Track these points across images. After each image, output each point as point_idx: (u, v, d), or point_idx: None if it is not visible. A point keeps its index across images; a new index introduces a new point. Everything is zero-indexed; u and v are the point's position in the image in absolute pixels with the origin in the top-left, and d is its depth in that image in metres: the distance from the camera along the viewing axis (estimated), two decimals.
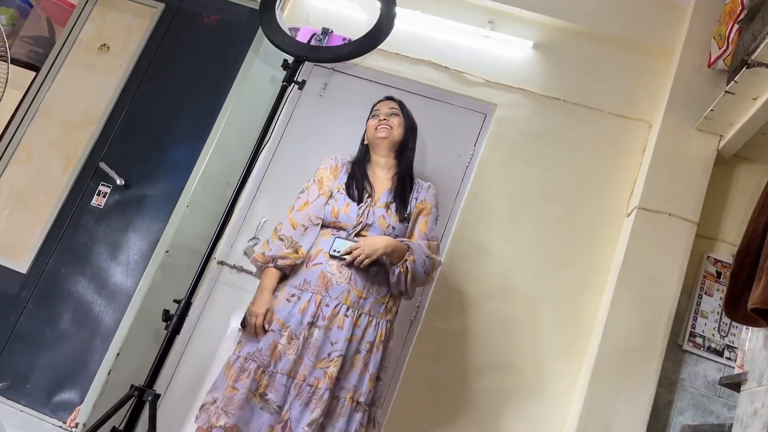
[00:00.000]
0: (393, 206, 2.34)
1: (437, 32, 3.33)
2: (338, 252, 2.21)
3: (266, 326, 2.16)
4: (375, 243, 2.21)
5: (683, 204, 2.84)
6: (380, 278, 2.24)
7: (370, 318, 2.20)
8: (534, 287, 2.94)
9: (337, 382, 2.12)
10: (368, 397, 2.16)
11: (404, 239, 2.30)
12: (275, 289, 2.24)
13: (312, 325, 2.14)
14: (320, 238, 2.28)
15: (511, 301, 2.93)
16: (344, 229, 2.28)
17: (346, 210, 2.30)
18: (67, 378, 2.66)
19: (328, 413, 2.09)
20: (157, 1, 3.13)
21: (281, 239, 2.27)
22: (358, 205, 2.31)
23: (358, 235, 2.26)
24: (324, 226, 2.31)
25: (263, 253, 2.27)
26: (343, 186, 2.37)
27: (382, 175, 2.44)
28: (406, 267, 2.23)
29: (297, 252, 2.25)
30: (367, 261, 2.18)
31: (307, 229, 2.29)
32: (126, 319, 2.68)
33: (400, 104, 2.54)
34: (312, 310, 2.15)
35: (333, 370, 2.10)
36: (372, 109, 2.56)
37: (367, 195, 2.34)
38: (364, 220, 2.28)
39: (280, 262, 2.24)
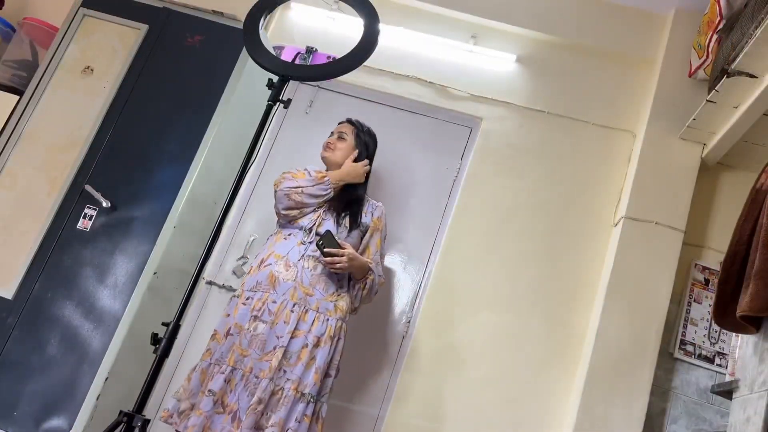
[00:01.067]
0: (345, 217, 2.49)
1: (421, 48, 3.35)
2: (323, 247, 2.32)
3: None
4: (354, 259, 2.36)
5: (670, 212, 2.86)
6: (325, 277, 2.36)
7: (318, 314, 2.30)
8: (524, 299, 2.94)
9: (283, 374, 2.21)
10: (313, 389, 2.23)
11: (365, 257, 2.46)
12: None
13: (256, 318, 2.27)
14: (274, 242, 2.43)
15: (501, 314, 2.93)
16: (300, 225, 2.43)
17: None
18: (55, 404, 2.62)
19: (271, 402, 2.18)
20: (140, 23, 3.13)
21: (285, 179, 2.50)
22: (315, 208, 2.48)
23: (309, 231, 2.40)
24: (281, 226, 2.49)
25: (318, 175, 2.50)
26: None
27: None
28: (365, 283, 2.44)
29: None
30: (340, 270, 2.35)
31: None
32: (114, 343, 2.65)
33: (356, 126, 2.70)
34: (258, 306, 2.28)
35: (275, 361, 2.20)
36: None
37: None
38: (321, 215, 2.45)
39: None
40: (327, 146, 2.65)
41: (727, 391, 2.19)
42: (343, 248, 2.35)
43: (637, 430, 2.60)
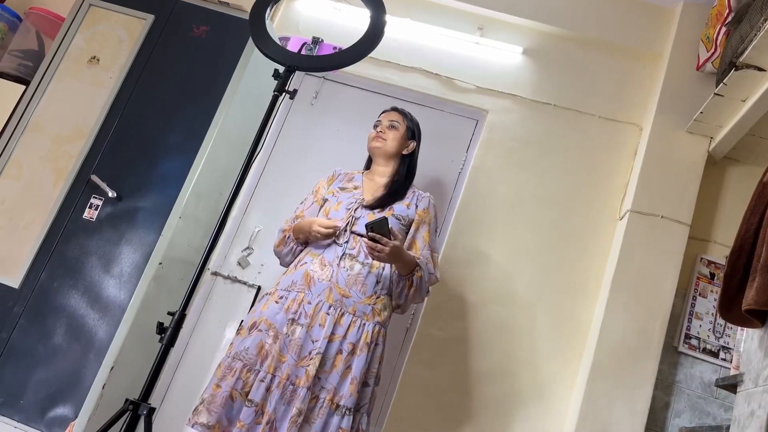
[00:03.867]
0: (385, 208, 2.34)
1: (427, 40, 3.34)
2: (371, 229, 2.12)
3: (325, 228, 2.24)
4: (398, 254, 2.17)
5: (675, 206, 2.85)
6: (362, 278, 2.21)
7: (354, 318, 2.17)
8: (529, 292, 2.94)
9: (318, 381, 2.09)
10: (350, 401, 2.10)
11: (413, 253, 2.29)
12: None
13: (294, 322, 2.14)
14: (311, 244, 2.33)
15: (506, 307, 2.93)
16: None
17: (337, 207, 2.34)
18: (61, 393, 2.64)
19: (308, 413, 2.06)
20: (146, 13, 3.13)
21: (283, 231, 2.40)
22: (348, 203, 2.35)
23: (344, 231, 2.27)
24: None
25: (283, 232, 2.39)
26: (338, 189, 2.43)
27: (378, 180, 2.47)
28: (412, 281, 2.25)
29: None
30: (377, 259, 2.16)
31: None
32: (120, 333, 2.67)
33: (405, 115, 2.55)
34: (294, 308, 2.16)
35: (312, 368, 2.08)
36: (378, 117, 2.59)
37: (360, 195, 2.39)
38: (353, 214, 2.30)
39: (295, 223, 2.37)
40: (377, 136, 2.47)
41: (731, 385, 2.19)
42: (394, 239, 2.17)
43: (640, 424, 2.60)
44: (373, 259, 2.19)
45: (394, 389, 2.83)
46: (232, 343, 2.22)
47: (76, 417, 2.59)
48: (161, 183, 2.86)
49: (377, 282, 2.23)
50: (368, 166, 2.57)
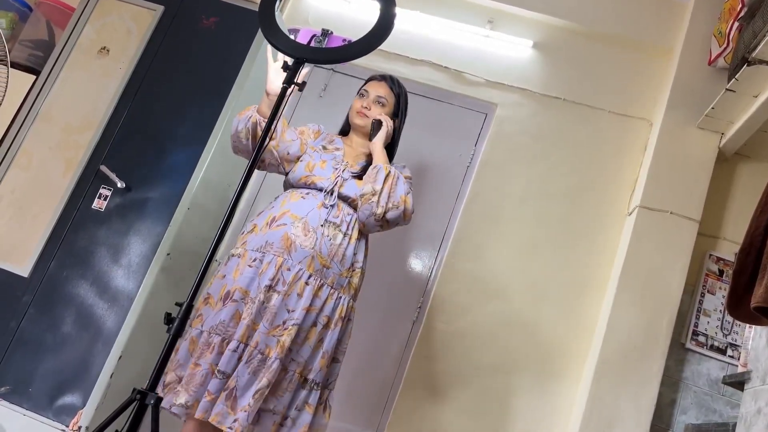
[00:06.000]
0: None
1: (437, 32, 3.33)
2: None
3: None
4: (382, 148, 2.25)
5: (685, 202, 2.84)
6: (343, 249, 2.12)
7: (332, 290, 2.08)
8: (536, 287, 2.93)
9: (288, 353, 1.99)
10: (319, 376, 2.04)
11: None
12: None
13: (270, 288, 2.01)
14: (288, 200, 2.16)
15: (512, 301, 2.92)
16: (317, 186, 2.17)
17: (323, 165, 2.22)
18: (69, 381, 2.66)
19: (275, 385, 1.97)
20: (156, 4, 3.13)
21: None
22: (334, 164, 2.22)
23: (331, 193, 2.15)
24: (293, 186, 2.22)
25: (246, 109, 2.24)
26: (320, 147, 2.30)
27: (357, 149, 2.35)
28: (389, 170, 2.17)
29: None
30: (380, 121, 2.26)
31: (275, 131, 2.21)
32: (128, 323, 2.68)
33: (393, 90, 2.39)
34: (271, 273, 2.02)
35: (286, 338, 1.97)
36: (364, 83, 2.43)
37: (341, 158, 2.28)
38: (341, 175, 2.19)
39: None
40: (361, 112, 2.33)
41: (738, 382, 2.18)
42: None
43: (646, 420, 2.60)
44: (377, 129, 2.25)
45: (399, 383, 2.84)
46: (200, 314, 2.05)
47: (84, 405, 2.61)
48: (170, 174, 2.87)
49: (354, 254, 2.15)
50: (345, 131, 2.44)
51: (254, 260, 2.06)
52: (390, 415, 2.80)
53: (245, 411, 1.90)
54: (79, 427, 2.58)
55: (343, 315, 2.10)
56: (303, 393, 2.03)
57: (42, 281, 2.79)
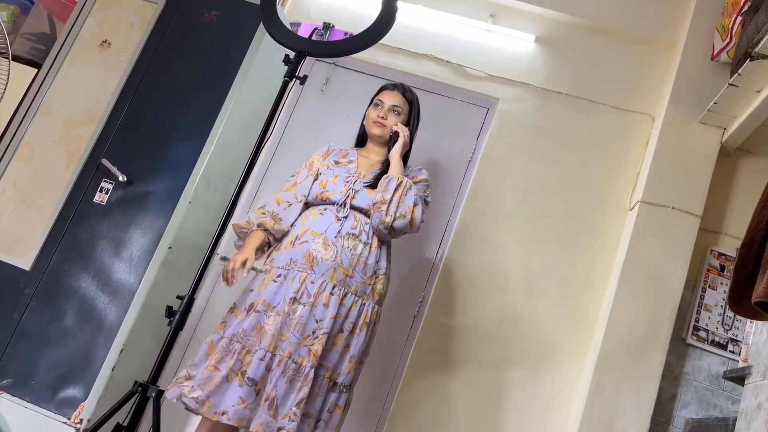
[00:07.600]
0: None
1: (439, 26, 3.32)
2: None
3: (240, 273, 2.18)
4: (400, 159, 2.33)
5: (687, 197, 2.83)
6: (365, 258, 2.21)
7: (356, 298, 2.18)
8: (537, 281, 2.93)
9: (318, 359, 2.10)
10: (347, 379, 2.15)
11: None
12: (256, 252, 2.27)
13: (295, 300, 2.11)
14: (309, 218, 2.26)
15: (514, 296, 2.92)
16: (332, 200, 2.27)
17: (335, 180, 2.32)
18: (71, 374, 2.66)
19: (309, 390, 2.07)
20: None
21: (263, 213, 2.32)
22: (345, 177, 2.32)
23: (343, 205, 2.25)
24: (312, 204, 2.33)
25: (246, 221, 2.33)
26: (332, 162, 2.39)
27: (373, 158, 2.43)
28: (401, 181, 2.26)
29: (275, 221, 2.28)
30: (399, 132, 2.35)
31: (291, 205, 2.33)
32: (129, 316, 2.69)
33: (407, 97, 2.46)
34: (296, 287, 2.13)
35: (318, 347, 2.08)
36: (378, 92, 2.49)
37: (355, 170, 2.36)
38: (353, 187, 2.28)
39: (261, 225, 2.29)
40: (378, 122, 2.40)
41: (739, 377, 2.19)
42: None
43: (646, 415, 2.60)
44: (394, 141, 2.34)
45: (400, 377, 2.84)
46: (224, 321, 2.18)
47: (86, 398, 2.62)
48: (171, 167, 2.87)
49: (376, 262, 2.25)
50: (360, 143, 2.52)
51: (279, 276, 2.17)
52: (391, 409, 2.81)
53: (292, 420, 2.01)
54: (81, 420, 2.59)
55: (368, 320, 2.21)
56: (333, 396, 2.14)
57: (44, 274, 2.80)
